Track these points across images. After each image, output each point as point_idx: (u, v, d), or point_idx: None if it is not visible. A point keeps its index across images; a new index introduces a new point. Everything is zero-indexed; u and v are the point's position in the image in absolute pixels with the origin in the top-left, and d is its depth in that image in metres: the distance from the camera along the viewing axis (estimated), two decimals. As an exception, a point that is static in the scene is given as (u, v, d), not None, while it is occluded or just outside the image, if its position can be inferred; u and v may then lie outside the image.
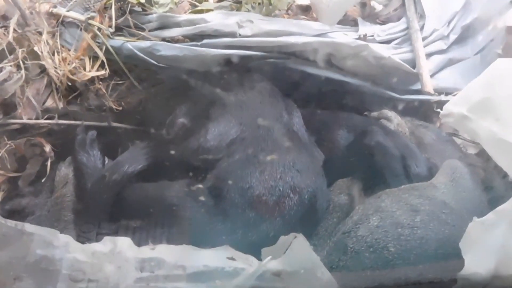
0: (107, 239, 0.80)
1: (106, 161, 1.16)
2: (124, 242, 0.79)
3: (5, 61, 1.04)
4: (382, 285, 0.88)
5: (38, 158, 1.17)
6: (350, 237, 0.93)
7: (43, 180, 1.11)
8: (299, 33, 1.18)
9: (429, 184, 1.02)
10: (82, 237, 1.04)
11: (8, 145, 1.04)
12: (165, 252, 0.79)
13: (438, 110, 1.09)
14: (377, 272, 0.89)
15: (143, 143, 1.11)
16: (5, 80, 1.00)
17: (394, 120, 1.14)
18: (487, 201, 1.04)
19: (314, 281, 0.83)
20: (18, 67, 1.05)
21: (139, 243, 0.87)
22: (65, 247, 0.78)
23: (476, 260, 0.83)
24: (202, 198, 0.92)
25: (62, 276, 0.80)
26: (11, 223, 0.77)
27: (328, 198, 1.00)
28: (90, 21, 1.12)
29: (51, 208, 1.08)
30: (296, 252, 0.83)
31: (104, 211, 1.02)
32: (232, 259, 0.81)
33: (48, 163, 1.13)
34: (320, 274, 0.84)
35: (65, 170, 1.14)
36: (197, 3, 1.30)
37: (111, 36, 1.12)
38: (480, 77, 0.87)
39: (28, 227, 0.77)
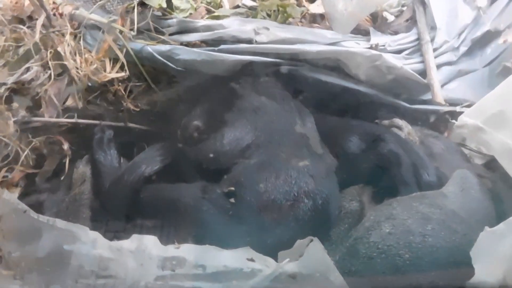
0: (134, 236, 0.83)
1: (122, 161, 1.20)
2: (149, 240, 0.82)
3: (32, 60, 1.07)
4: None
5: (56, 155, 1.19)
6: (362, 243, 0.96)
7: (62, 178, 1.14)
8: (313, 41, 1.21)
9: (440, 193, 1.04)
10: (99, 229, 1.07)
11: (33, 143, 1.07)
12: (188, 251, 0.82)
13: (453, 120, 1.12)
14: (388, 278, 0.92)
15: (159, 145, 1.14)
16: (32, 80, 1.03)
17: (405, 129, 1.17)
18: (495, 211, 1.08)
19: (328, 284, 0.86)
20: (43, 67, 1.08)
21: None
22: (92, 243, 0.81)
23: (486, 269, 0.86)
24: (222, 201, 0.95)
25: (84, 271, 0.83)
26: (43, 218, 0.80)
27: (340, 204, 1.03)
28: (113, 24, 1.15)
29: (69, 205, 1.11)
30: (312, 255, 0.86)
31: (121, 210, 1.05)
32: (252, 260, 0.84)
33: (67, 161, 1.16)
34: (333, 278, 0.87)
35: (83, 168, 1.17)
36: (213, 9, 1.33)
37: (132, 39, 1.15)
38: (496, 90, 0.90)
39: (59, 222, 0.80)
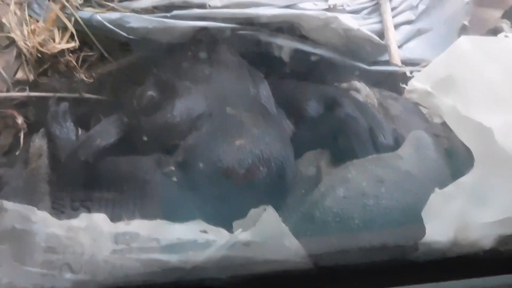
0: (83, 215, 0.83)
1: (80, 133, 1.18)
2: (99, 218, 0.82)
3: (-28, 35, 1.03)
4: (347, 251, 0.93)
5: (11, 130, 1.17)
6: (317, 207, 0.97)
7: (17, 153, 1.12)
8: (269, 3, 1.18)
9: (395, 155, 1.05)
10: (57, 204, 1.07)
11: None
12: (140, 227, 0.82)
13: (403, 85, 1.12)
14: (342, 240, 0.94)
15: (114, 117, 1.12)
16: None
17: (363, 92, 1.17)
18: (450, 170, 1.10)
19: (283, 249, 0.88)
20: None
21: (112, 216, 0.91)
22: (42, 222, 0.81)
23: (437, 229, 0.88)
24: (174, 179, 0.95)
25: (39, 247, 0.83)
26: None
27: (296, 170, 1.04)
28: (58, -8, 1.11)
29: (26, 180, 1.10)
30: (266, 223, 0.87)
31: (78, 184, 1.04)
32: (205, 232, 0.84)
33: (21, 135, 1.14)
34: (288, 243, 0.88)
35: (39, 142, 1.15)
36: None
37: (80, 8, 1.12)
38: (444, 55, 0.90)
39: (6, 203, 0.80)
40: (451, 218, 0.90)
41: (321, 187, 1.00)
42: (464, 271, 0.91)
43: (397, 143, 1.10)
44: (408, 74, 1.17)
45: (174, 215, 0.88)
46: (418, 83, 0.91)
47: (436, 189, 0.90)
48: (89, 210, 1.03)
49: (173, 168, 0.94)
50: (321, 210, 0.97)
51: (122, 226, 0.82)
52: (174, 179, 0.94)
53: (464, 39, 0.88)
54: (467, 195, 0.89)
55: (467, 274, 0.91)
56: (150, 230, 0.83)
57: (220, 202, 0.94)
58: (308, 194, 1.00)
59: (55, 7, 1.11)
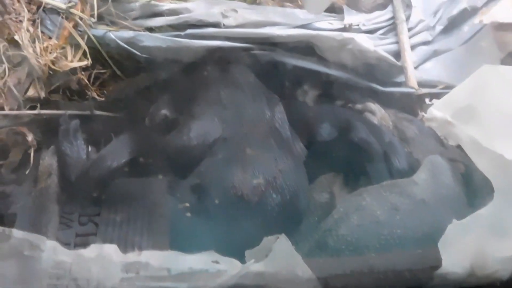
0: (93, 246, 0.81)
1: (90, 150, 1.17)
2: (110, 248, 0.80)
3: (-14, 54, 1.02)
4: (360, 279, 0.91)
5: (21, 146, 1.16)
6: (331, 235, 0.96)
7: (27, 172, 1.11)
8: (284, 23, 1.17)
9: (410, 181, 1.04)
10: (65, 219, 1.06)
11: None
12: (150, 257, 0.80)
13: (422, 113, 1.10)
14: (356, 270, 0.93)
15: (126, 136, 1.10)
16: (-14, 76, 0.98)
17: (378, 114, 1.15)
18: (466, 196, 1.07)
19: (295, 278, 0.86)
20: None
21: (119, 240, 0.92)
22: (52, 250, 0.80)
23: (454, 260, 0.87)
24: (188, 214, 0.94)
25: (46, 273, 0.82)
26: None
27: (309, 196, 1.02)
28: (71, 10, 1.10)
29: (35, 199, 1.09)
30: (279, 252, 0.85)
31: (87, 205, 1.03)
32: (216, 262, 0.83)
33: (32, 152, 1.13)
34: (301, 272, 0.87)
35: (49, 160, 1.14)
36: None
37: (93, 26, 1.10)
38: (465, 83, 0.88)
39: (16, 232, 0.78)
40: (468, 250, 0.88)
41: (334, 214, 0.98)
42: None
43: (412, 168, 1.09)
44: (427, 101, 1.15)
45: (185, 244, 0.87)
46: (437, 111, 0.89)
47: (454, 221, 0.88)
48: (97, 225, 1.03)
49: (187, 204, 0.93)
50: (334, 238, 0.95)
51: (132, 256, 0.80)
52: (188, 214, 0.92)
53: (485, 68, 0.86)
54: (485, 227, 0.87)
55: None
56: (161, 260, 0.81)
57: (232, 230, 0.92)
58: (322, 221, 0.99)
59: (68, 25, 1.09)
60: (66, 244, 0.90)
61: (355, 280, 0.91)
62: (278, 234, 0.87)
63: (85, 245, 0.87)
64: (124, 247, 0.84)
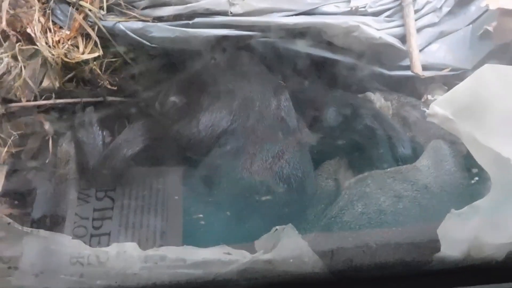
0: (114, 244, 0.87)
1: (104, 134, 1.21)
2: (130, 246, 0.87)
3: (1, 50, 1.05)
4: (363, 265, 0.97)
5: (39, 134, 1.21)
6: (335, 222, 1.01)
7: (47, 160, 1.16)
8: (291, 8, 1.17)
9: (413, 167, 1.08)
10: (83, 195, 1.13)
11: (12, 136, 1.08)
12: (167, 250, 0.87)
13: (424, 108, 1.13)
14: (359, 254, 0.98)
15: (139, 124, 1.14)
16: (3, 74, 1.01)
17: (377, 103, 1.18)
18: (466, 181, 1.11)
19: (302, 264, 0.92)
20: (14, 57, 1.06)
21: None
22: (76, 247, 0.86)
23: (451, 246, 0.93)
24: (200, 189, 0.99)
25: (71, 261, 0.89)
26: (26, 229, 0.84)
27: (315, 184, 1.07)
28: (81, 2, 1.11)
29: (55, 186, 1.15)
30: (286, 242, 0.91)
31: (105, 194, 1.09)
32: (228, 254, 0.89)
33: (50, 140, 1.18)
34: (307, 259, 0.93)
35: (66, 147, 1.19)
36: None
37: (102, 18, 1.12)
38: (467, 81, 0.90)
39: (43, 232, 0.85)
40: (466, 237, 0.94)
41: (339, 201, 1.03)
42: (476, 278, 0.96)
43: (415, 153, 1.12)
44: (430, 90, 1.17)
45: (197, 237, 0.93)
46: (439, 108, 0.92)
47: (452, 210, 0.93)
48: (113, 200, 1.10)
49: (201, 215, 0.97)
50: (339, 225, 1.00)
51: (151, 251, 0.87)
52: (203, 222, 0.97)
53: (488, 67, 0.88)
54: (482, 218, 0.91)
55: (479, 281, 0.96)
56: (177, 253, 0.87)
57: (241, 220, 0.98)
58: (327, 208, 1.04)
59: (79, 17, 1.11)
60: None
61: (358, 264, 0.98)
62: (285, 225, 0.93)
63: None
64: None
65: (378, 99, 1.18)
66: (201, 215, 0.99)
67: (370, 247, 0.98)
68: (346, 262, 0.98)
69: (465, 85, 0.90)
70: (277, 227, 0.92)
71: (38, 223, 1.09)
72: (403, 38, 1.23)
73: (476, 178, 1.08)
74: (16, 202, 1.16)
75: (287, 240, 0.91)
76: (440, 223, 0.93)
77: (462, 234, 0.93)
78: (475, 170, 1.11)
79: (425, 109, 1.12)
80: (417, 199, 1.02)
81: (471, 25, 1.25)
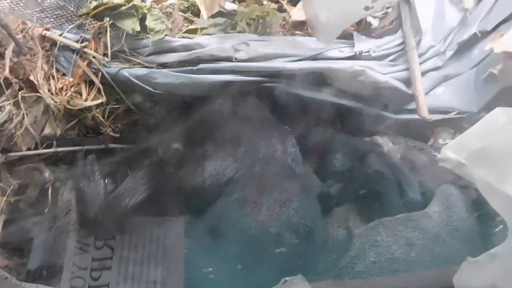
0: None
1: (106, 182, 1.19)
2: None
3: (3, 97, 1.03)
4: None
5: (38, 182, 1.18)
6: (347, 272, 0.98)
7: (45, 210, 1.13)
8: (295, 54, 1.17)
9: (424, 214, 1.06)
10: (81, 244, 1.09)
11: (12, 185, 1.05)
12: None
13: (435, 153, 1.11)
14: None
15: (141, 172, 1.11)
16: (5, 122, 1.00)
17: (385, 147, 1.16)
18: (478, 226, 1.09)
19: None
20: (15, 105, 1.05)
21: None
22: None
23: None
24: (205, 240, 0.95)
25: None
26: (24, 284, 0.81)
27: (325, 233, 1.04)
28: (85, 49, 1.11)
29: (56, 237, 1.11)
30: (296, 294, 0.88)
31: (106, 244, 1.05)
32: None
33: (49, 189, 1.15)
34: (318, 312, 0.89)
35: (67, 196, 1.16)
36: (191, 17, 1.28)
37: (106, 65, 1.11)
38: (477, 125, 0.88)
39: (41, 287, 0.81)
40: (482, 286, 0.90)
41: (351, 251, 1.00)
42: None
43: (425, 198, 1.10)
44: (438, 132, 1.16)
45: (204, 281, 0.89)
46: (451, 153, 0.90)
47: (468, 258, 0.89)
48: (112, 250, 1.06)
49: (205, 267, 0.94)
50: (351, 275, 0.97)
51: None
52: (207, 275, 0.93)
53: (499, 111, 0.86)
54: (499, 266, 0.88)
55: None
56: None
57: (248, 271, 0.94)
58: (338, 259, 1.00)
59: (82, 64, 1.11)
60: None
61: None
62: (295, 276, 0.89)
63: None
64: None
65: (386, 143, 1.16)
66: (204, 267, 0.95)
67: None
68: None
69: (476, 128, 0.88)
70: (287, 278, 0.89)
71: (34, 274, 1.06)
72: (407, 82, 1.22)
73: (490, 223, 1.07)
74: (13, 252, 1.13)
75: (297, 291, 0.88)
76: (455, 271, 0.90)
77: (479, 282, 0.89)
78: (487, 216, 1.10)
79: (436, 153, 1.11)
80: (430, 247, 0.99)
81: (475, 68, 1.25)
